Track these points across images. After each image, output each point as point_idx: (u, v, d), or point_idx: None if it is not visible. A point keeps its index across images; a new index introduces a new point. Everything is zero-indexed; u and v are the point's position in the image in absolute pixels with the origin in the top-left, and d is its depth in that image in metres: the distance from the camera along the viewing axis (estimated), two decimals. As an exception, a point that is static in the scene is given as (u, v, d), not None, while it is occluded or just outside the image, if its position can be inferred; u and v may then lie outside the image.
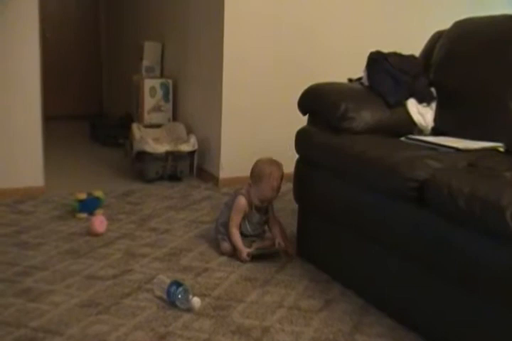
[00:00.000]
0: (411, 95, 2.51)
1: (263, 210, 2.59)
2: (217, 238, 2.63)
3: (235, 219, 2.54)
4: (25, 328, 1.86)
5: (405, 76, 2.54)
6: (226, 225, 2.58)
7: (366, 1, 4.01)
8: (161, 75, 4.76)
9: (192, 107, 4.30)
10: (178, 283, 2.06)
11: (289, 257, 2.57)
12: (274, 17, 3.75)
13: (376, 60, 2.57)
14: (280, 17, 3.77)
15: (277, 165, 2.53)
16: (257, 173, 2.53)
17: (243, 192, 2.57)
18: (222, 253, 2.56)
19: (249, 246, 2.53)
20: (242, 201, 2.54)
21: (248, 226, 2.58)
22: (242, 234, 2.56)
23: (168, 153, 3.77)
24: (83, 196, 3.02)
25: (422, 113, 2.49)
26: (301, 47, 3.86)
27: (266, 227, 2.64)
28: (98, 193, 3.09)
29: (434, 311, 1.82)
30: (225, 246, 2.56)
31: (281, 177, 2.51)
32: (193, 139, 3.88)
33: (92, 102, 6.76)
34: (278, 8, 3.75)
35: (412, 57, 2.67)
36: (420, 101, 2.52)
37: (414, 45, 2.78)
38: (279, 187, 2.51)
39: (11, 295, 2.09)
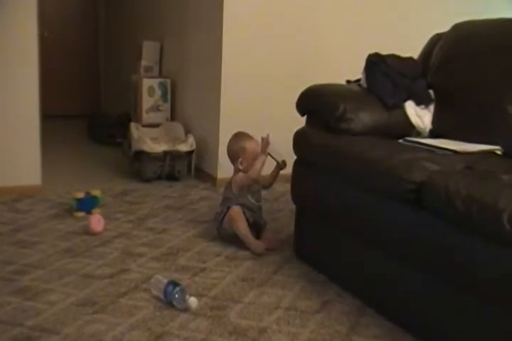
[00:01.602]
0: (409, 97, 2.52)
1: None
2: (218, 226, 2.69)
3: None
4: (21, 327, 1.85)
5: (404, 78, 2.55)
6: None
7: (365, 3, 4.02)
8: (160, 75, 4.76)
9: (190, 107, 4.30)
10: (175, 283, 2.06)
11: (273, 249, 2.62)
12: (273, 17, 3.75)
13: (375, 62, 2.58)
14: (280, 17, 3.77)
15: (248, 135, 2.70)
16: (248, 154, 2.63)
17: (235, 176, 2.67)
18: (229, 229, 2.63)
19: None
20: (240, 175, 2.62)
21: (250, 198, 2.64)
22: (248, 209, 2.62)
23: (166, 153, 3.78)
24: (81, 195, 3.02)
25: (420, 115, 2.49)
26: (300, 48, 3.86)
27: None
28: (96, 192, 3.09)
29: (432, 313, 1.82)
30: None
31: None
32: (191, 139, 3.89)
33: (90, 101, 6.77)
34: (278, 9, 3.76)
35: (410, 59, 2.68)
36: (418, 103, 2.52)
37: (412, 47, 2.79)
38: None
39: (7, 293, 2.09)
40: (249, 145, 2.63)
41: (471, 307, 1.69)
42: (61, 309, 1.98)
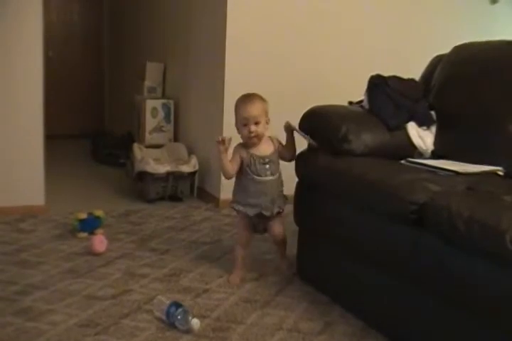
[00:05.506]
0: (411, 118, 2.53)
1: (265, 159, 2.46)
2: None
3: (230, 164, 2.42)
4: (23, 348, 1.85)
5: (405, 99, 2.57)
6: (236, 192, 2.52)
7: (366, 24, 4.06)
8: (163, 96, 4.80)
9: (193, 128, 4.32)
10: (177, 304, 2.05)
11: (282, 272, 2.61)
12: (276, 38, 3.79)
13: (377, 84, 2.60)
14: (283, 38, 3.81)
15: (250, 98, 2.48)
16: (236, 115, 2.47)
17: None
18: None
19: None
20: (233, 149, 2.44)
21: (258, 170, 2.43)
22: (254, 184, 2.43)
23: (168, 174, 3.79)
24: (83, 215, 3.02)
25: (422, 136, 2.51)
26: (302, 68, 3.89)
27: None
28: (98, 213, 3.09)
29: (435, 334, 1.82)
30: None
31: (260, 108, 2.46)
32: (193, 160, 3.90)
33: (93, 121, 6.80)
34: (280, 30, 3.80)
35: (412, 80, 2.70)
36: (420, 124, 2.54)
37: (414, 69, 2.81)
38: (257, 122, 2.46)
39: (10, 314, 2.09)
40: (239, 105, 2.47)
41: (473, 328, 1.68)
42: (63, 330, 1.98)
